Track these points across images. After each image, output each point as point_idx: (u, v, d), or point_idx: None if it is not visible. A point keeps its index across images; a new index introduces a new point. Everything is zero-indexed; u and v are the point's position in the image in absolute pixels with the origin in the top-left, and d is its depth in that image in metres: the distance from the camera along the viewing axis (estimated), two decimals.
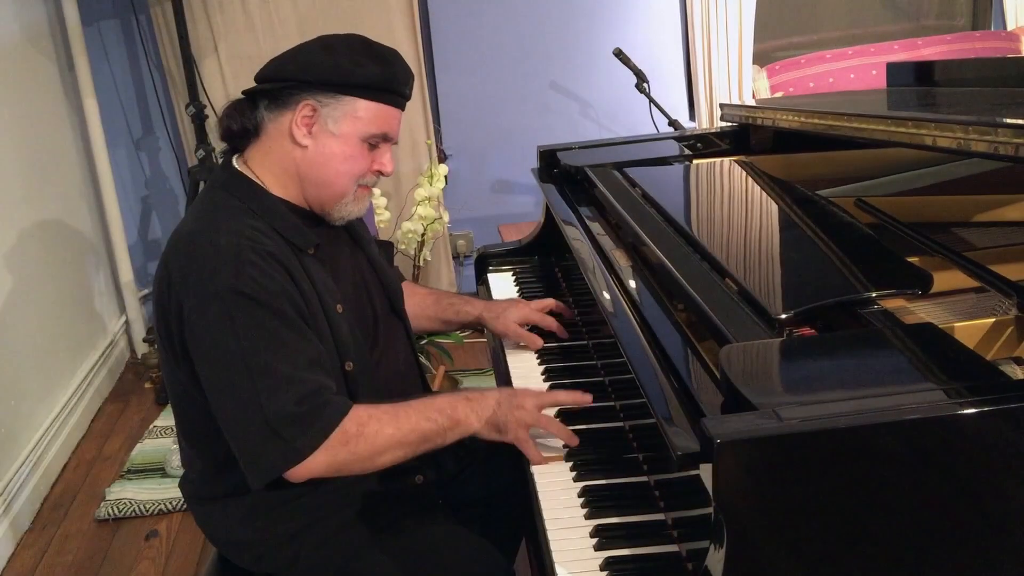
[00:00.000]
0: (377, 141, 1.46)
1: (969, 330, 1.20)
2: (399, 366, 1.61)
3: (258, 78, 1.47)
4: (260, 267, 1.32)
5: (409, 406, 1.38)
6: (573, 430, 1.46)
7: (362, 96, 1.42)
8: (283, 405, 1.28)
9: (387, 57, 1.44)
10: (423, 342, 3.27)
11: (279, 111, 1.43)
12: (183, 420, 1.50)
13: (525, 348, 1.76)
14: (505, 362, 1.75)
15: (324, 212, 1.50)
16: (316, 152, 1.43)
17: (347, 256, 1.58)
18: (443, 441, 1.38)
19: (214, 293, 1.30)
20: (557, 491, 1.33)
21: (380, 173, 1.49)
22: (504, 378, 1.70)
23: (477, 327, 1.83)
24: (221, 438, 1.39)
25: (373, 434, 1.32)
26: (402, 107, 1.48)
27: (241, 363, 1.29)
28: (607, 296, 1.48)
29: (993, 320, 1.21)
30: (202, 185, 3.23)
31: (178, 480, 1.61)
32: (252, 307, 1.30)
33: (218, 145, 3.39)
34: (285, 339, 1.31)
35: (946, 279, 1.33)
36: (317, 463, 1.29)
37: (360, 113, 1.42)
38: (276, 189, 1.46)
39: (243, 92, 1.48)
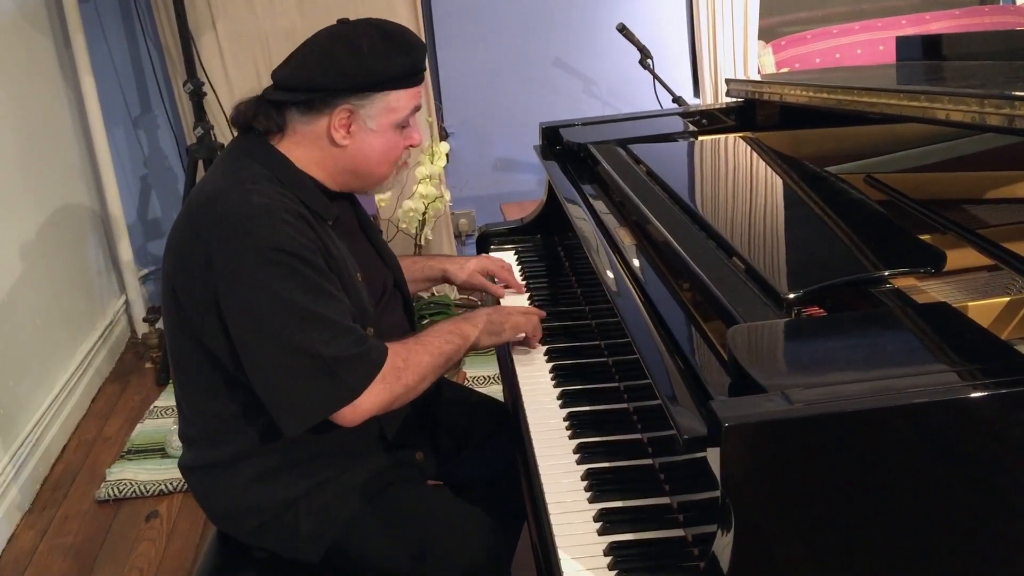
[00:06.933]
0: (408, 121, 1.50)
1: (983, 309, 1.17)
2: (397, 339, 1.61)
3: (284, 84, 1.45)
4: (294, 225, 1.36)
5: (427, 334, 1.50)
6: (576, 411, 1.47)
7: (394, 88, 1.45)
8: (338, 349, 1.33)
9: (408, 41, 1.46)
10: (424, 321, 3.26)
11: (312, 116, 1.45)
12: (188, 383, 1.49)
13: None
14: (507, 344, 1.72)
15: (359, 191, 1.58)
16: (356, 149, 1.47)
17: (356, 233, 1.62)
18: (458, 358, 1.52)
19: (253, 249, 1.33)
20: (560, 474, 1.31)
21: (411, 147, 1.54)
22: (505, 349, 1.70)
23: (444, 282, 1.93)
24: (228, 397, 1.42)
25: (416, 364, 1.43)
26: (423, 79, 1.52)
27: (292, 313, 1.32)
28: (611, 275, 1.45)
29: (1007, 299, 1.18)
30: (201, 163, 3.20)
31: (177, 460, 1.59)
32: (293, 262, 1.34)
33: (217, 124, 3.38)
34: (328, 292, 1.37)
35: (959, 257, 1.31)
36: (377, 398, 1.37)
37: (393, 104, 1.46)
38: (302, 166, 1.48)
39: (269, 99, 1.46)
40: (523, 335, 1.65)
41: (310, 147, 1.47)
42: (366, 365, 1.36)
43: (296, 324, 1.32)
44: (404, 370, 1.40)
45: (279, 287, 1.32)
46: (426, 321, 3.25)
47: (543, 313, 1.69)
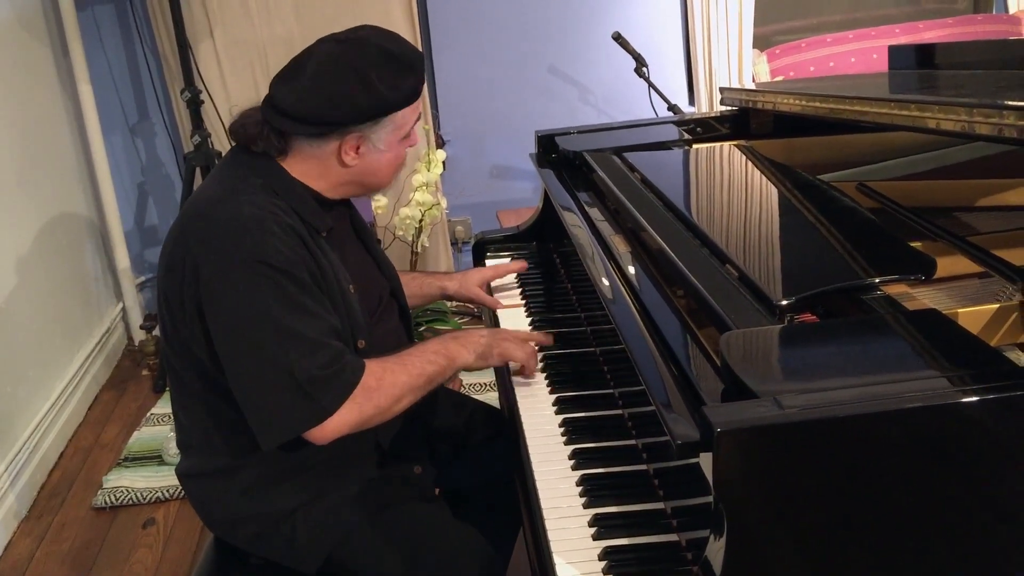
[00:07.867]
0: (410, 130, 1.51)
1: (973, 316, 1.18)
2: (393, 348, 1.61)
3: (291, 114, 1.41)
4: (282, 239, 1.36)
5: (410, 353, 1.47)
6: (571, 418, 1.47)
7: (400, 108, 1.46)
8: (311, 368, 1.32)
9: (411, 61, 1.45)
10: (422, 328, 3.26)
11: (321, 142, 1.44)
12: (183, 391, 1.50)
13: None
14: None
15: (359, 197, 1.60)
16: (364, 167, 1.48)
17: (352, 241, 1.62)
18: (443, 379, 1.49)
19: (238, 260, 1.33)
20: (555, 480, 1.32)
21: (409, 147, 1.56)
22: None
23: (443, 298, 1.94)
24: (222, 406, 1.42)
25: (390, 384, 1.40)
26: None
27: (269, 327, 1.32)
28: (606, 282, 1.46)
29: (997, 306, 1.19)
30: (199, 171, 3.21)
31: (175, 467, 1.60)
32: (277, 276, 1.34)
33: (215, 131, 3.39)
34: (309, 308, 1.36)
35: (949, 264, 1.32)
36: (344, 419, 1.35)
37: (400, 122, 1.47)
38: (299, 176, 1.48)
39: (278, 127, 1.43)
40: (516, 365, 1.60)
41: (315, 165, 1.47)
42: (339, 385, 1.35)
43: (271, 338, 1.32)
44: (376, 390, 1.38)
45: (259, 300, 1.32)
46: (423, 328, 3.26)
47: (545, 339, 1.65)
